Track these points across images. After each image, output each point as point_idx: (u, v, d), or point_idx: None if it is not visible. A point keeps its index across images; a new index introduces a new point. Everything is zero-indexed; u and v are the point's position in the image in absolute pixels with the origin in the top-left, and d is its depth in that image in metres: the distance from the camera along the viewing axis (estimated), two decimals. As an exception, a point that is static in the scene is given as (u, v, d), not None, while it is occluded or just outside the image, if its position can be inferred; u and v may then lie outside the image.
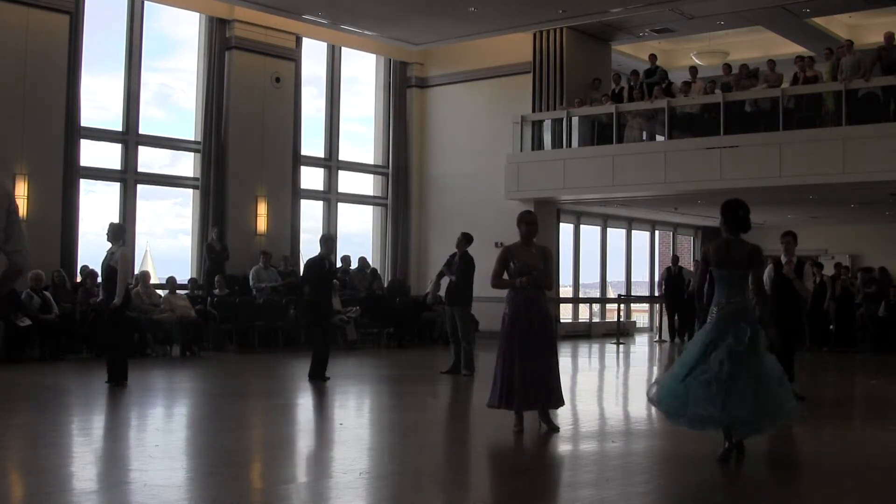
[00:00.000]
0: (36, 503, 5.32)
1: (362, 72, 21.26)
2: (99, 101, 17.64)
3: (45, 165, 15.35)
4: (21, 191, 15.01)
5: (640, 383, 13.18)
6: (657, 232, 24.00)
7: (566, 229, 20.66)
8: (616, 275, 22.80)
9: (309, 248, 18.65)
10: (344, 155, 20.30)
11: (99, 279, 12.02)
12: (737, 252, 6.55)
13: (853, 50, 16.27)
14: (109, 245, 10.60)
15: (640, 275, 23.52)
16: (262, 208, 18.12)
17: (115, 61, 16.88)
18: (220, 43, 17.77)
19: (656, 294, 21.63)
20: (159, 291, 15.38)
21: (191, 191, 17.89)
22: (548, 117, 19.02)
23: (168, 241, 19.32)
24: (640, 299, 23.15)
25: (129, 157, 16.87)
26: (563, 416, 8.25)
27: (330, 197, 19.91)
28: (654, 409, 9.00)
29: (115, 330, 10.75)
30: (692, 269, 20.54)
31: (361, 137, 21.37)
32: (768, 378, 6.41)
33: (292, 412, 9.48)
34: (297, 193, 18.88)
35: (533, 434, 7.51)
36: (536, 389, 7.49)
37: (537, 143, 19.18)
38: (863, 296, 17.91)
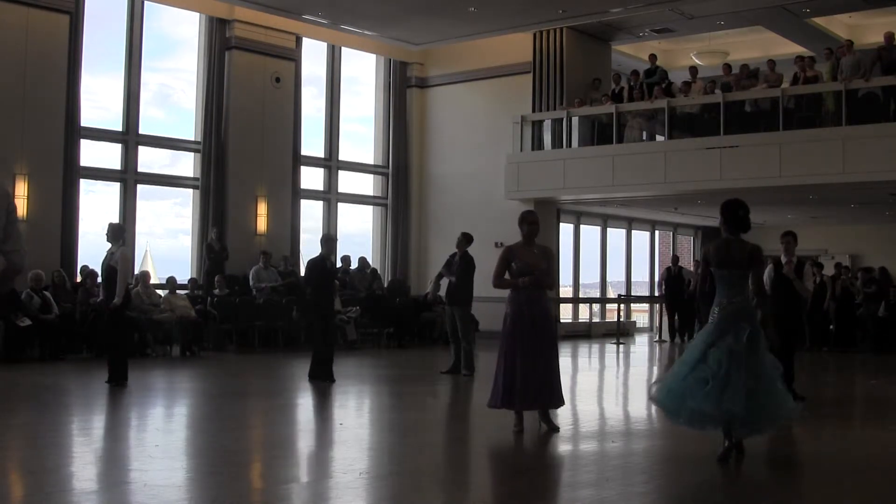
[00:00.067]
0: (36, 503, 5.32)
1: (362, 72, 21.29)
2: (99, 101, 17.68)
3: (45, 165, 15.35)
4: (21, 191, 15.01)
5: (640, 383, 13.18)
6: (657, 232, 24.00)
7: (566, 229, 20.66)
8: (616, 275, 22.82)
9: (309, 248, 18.68)
10: (344, 155, 20.30)
11: (99, 279, 12.03)
12: (737, 252, 6.55)
13: (853, 50, 16.27)
14: (109, 245, 10.60)
15: (640, 275, 23.53)
16: (262, 208, 18.12)
17: (115, 61, 16.90)
18: (220, 43, 17.77)
19: (656, 294, 21.63)
20: (159, 291, 15.38)
21: (191, 191, 17.89)
22: (548, 117, 19.02)
23: (168, 241, 19.35)
24: (640, 299, 23.15)
25: (129, 157, 16.87)
26: (563, 416, 8.25)
27: (330, 197, 19.91)
28: (654, 409, 9.01)
29: (115, 330, 10.75)
30: (692, 269, 20.56)
31: (361, 137, 21.40)
32: (768, 378, 6.42)
33: (292, 412, 9.49)
34: (297, 193, 18.88)
35: (533, 434, 7.51)
36: (538, 389, 7.49)
37: (537, 143, 19.18)
38: (863, 296, 17.91)
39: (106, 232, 10.61)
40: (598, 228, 21.91)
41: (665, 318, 20.53)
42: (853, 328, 17.95)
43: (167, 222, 19.18)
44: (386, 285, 19.47)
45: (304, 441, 7.82)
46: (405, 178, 20.81)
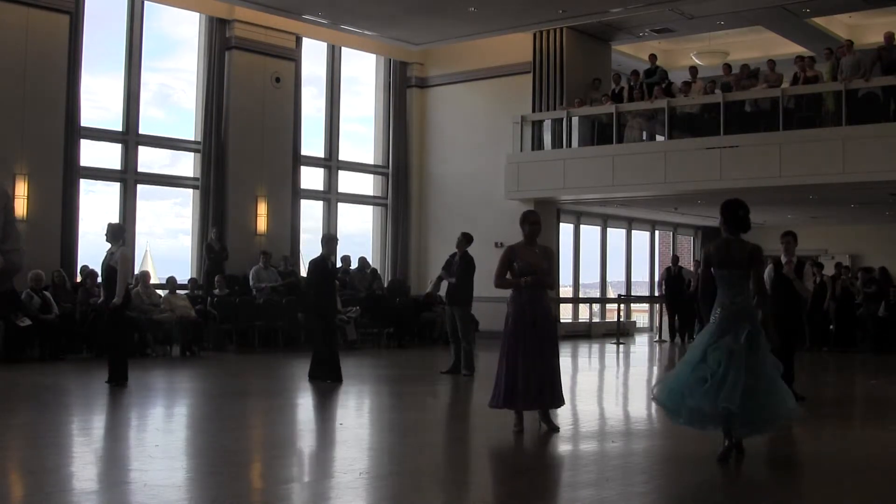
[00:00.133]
0: (36, 503, 5.32)
1: (362, 72, 21.29)
2: (99, 101, 17.68)
3: (45, 165, 15.35)
4: (21, 191, 15.01)
5: (640, 383, 13.18)
6: (657, 232, 24.00)
7: (566, 229, 20.66)
8: (616, 275, 22.82)
9: (309, 248, 18.69)
10: (344, 155, 20.30)
11: (99, 279, 12.03)
12: (737, 252, 6.56)
13: (853, 50, 16.27)
14: (109, 245, 10.59)
15: (640, 275, 23.54)
16: (262, 208, 18.12)
17: (115, 61, 16.90)
18: (220, 43, 17.77)
19: (656, 294, 21.63)
20: (159, 291, 15.38)
21: (191, 191, 17.89)
22: (548, 117, 19.02)
23: (168, 241, 19.35)
24: (640, 299, 23.15)
25: (129, 157, 16.87)
26: (563, 416, 8.25)
27: (330, 197, 19.91)
28: (654, 409, 9.02)
29: (115, 330, 10.75)
30: (692, 269, 20.56)
31: (361, 137, 21.40)
32: (769, 377, 6.42)
33: (292, 412, 9.48)
34: (297, 193, 18.88)
35: (533, 434, 7.51)
36: (539, 389, 7.50)
37: (537, 143, 19.19)
38: (863, 296, 17.91)
39: (105, 232, 10.60)
40: (598, 228, 21.91)
41: (665, 319, 20.54)
42: (853, 328, 17.95)
43: (167, 222, 19.22)
44: (386, 285, 19.47)
45: (304, 441, 7.82)
46: (405, 178, 20.81)
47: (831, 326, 18.07)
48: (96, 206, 17.11)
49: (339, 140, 20.16)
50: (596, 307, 22.41)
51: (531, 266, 7.55)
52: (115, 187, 16.87)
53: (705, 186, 16.80)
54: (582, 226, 21.19)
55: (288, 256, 18.11)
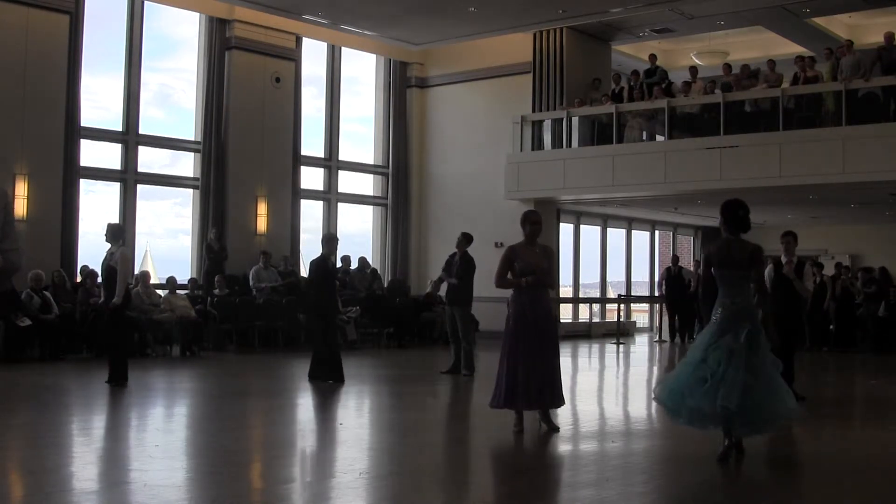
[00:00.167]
0: (36, 503, 5.32)
1: (362, 72, 21.29)
2: (99, 101, 17.68)
3: (45, 165, 15.35)
4: (21, 191, 15.02)
5: (640, 383, 13.18)
6: (657, 232, 24.00)
7: (566, 229, 20.66)
8: (616, 275, 22.82)
9: (309, 248, 18.69)
10: (344, 155, 20.30)
11: (99, 279, 12.03)
12: (738, 252, 6.56)
13: (853, 50, 16.27)
14: (109, 245, 10.59)
15: (640, 275, 23.54)
16: (262, 208, 18.12)
17: (115, 61, 16.90)
18: (220, 43, 17.77)
19: (656, 294, 21.64)
20: (159, 291, 15.38)
21: (191, 191, 17.89)
22: (548, 117, 19.02)
23: (168, 241, 19.35)
24: (640, 299, 23.15)
25: (129, 157, 16.87)
26: (563, 416, 8.26)
27: (330, 197, 19.91)
28: (654, 409, 9.02)
29: (115, 330, 10.75)
30: (692, 269, 20.57)
31: (361, 137, 21.41)
32: (768, 376, 6.42)
33: (292, 412, 9.49)
34: (297, 193, 18.88)
35: (533, 434, 7.51)
36: (541, 389, 7.50)
37: (537, 143, 19.18)
38: (863, 296, 17.91)
39: (105, 232, 10.60)
40: (598, 228, 21.91)
41: (665, 319, 20.54)
42: (853, 328, 17.95)
43: (167, 222, 19.22)
44: (386, 285, 19.47)
45: (304, 441, 7.82)
46: (405, 178, 20.81)
47: (831, 326, 18.07)
48: (96, 206, 17.14)
49: (339, 140, 20.17)
50: (596, 307, 22.41)
51: (532, 266, 7.55)
52: (115, 187, 16.87)
53: (705, 186, 16.80)
54: (582, 226, 21.19)
55: (288, 256, 18.11)
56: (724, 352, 6.34)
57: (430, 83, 21.01)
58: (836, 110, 15.91)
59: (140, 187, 17.09)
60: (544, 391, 7.53)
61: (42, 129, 15.33)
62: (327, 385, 10.83)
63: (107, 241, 10.58)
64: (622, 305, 22.17)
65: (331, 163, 19.95)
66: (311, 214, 19.53)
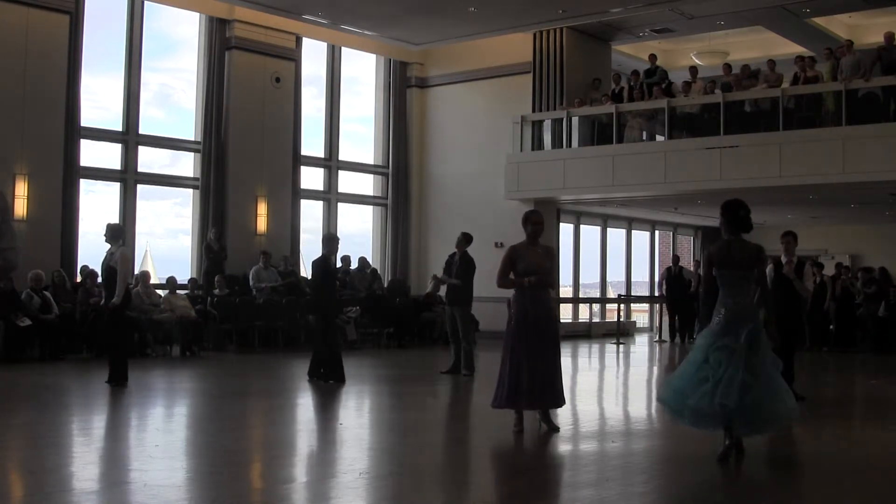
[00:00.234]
0: (36, 503, 5.32)
1: (362, 72, 21.29)
2: (99, 101, 17.68)
3: (45, 165, 15.35)
4: (21, 191, 15.02)
5: (640, 383, 13.19)
6: (657, 232, 24.00)
7: (566, 229, 20.66)
8: (616, 275, 22.81)
9: (309, 248, 18.70)
10: (344, 155, 20.30)
11: (99, 279, 12.03)
12: (740, 252, 6.57)
13: (853, 50, 16.27)
14: (109, 245, 10.59)
15: (640, 275, 23.53)
16: (262, 208, 18.12)
17: (115, 61, 16.90)
18: (220, 43, 17.77)
19: (656, 294, 21.64)
20: (159, 291, 15.38)
21: (191, 191, 17.89)
22: (548, 117, 19.02)
23: (168, 241, 19.35)
24: (640, 299, 23.15)
25: (129, 157, 16.87)
26: (563, 416, 8.26)
27: (330, 197, 19.91)
28: (654, 409, 9.03)
29: (115, 330, 10.75)
30: (692, 269, 20.57)
31: (361, 137, 21.40)
32: (768, 377, 6.42)
33: (292, 412, 9.48)
34: (297, 193, 18.88)
35: (533, 434, 7.51)
36: (543, 390, 7.51)
37: (537, 143, 19.18)
38: (863, 296, 17.91)
39: (104, 232, 10.60)
40: (598, 228, 21.90)
41: (665, 318, 20.53)
42: (853, 328, 17.95)
43: (167, 222, 19.22)
44: (386, 285, 19.47)
45: (305, 441, 7.82)
46: (405, 178, 20.81)
47: (831, 326, 18.08)
48: (96, 206, 17.13)
49: (339, 140, 20.17)
50: (596, 307, 22.40)
51: (534, 266, 7.55)
52: (115, 187, 16.87)
53: (705, 186, 16.80)
54: (582, 226, 21.19)
55: (288, 256, 18.11)
56: (726, 352, 6.35)
57: (430, 83, 21.01)
58: (836, 110, 15.91)
59: (140, 187, 17.09)
60: (546, 391, 7.53)
61: (42, 129, 15.33)
62: (327, 385, 10.83)
63: (106, 241, 10.58)
64: (622, 305, 22.17)
65: (331, 163, 19.95)
66: (311, 214, 19.56)
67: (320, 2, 17.00)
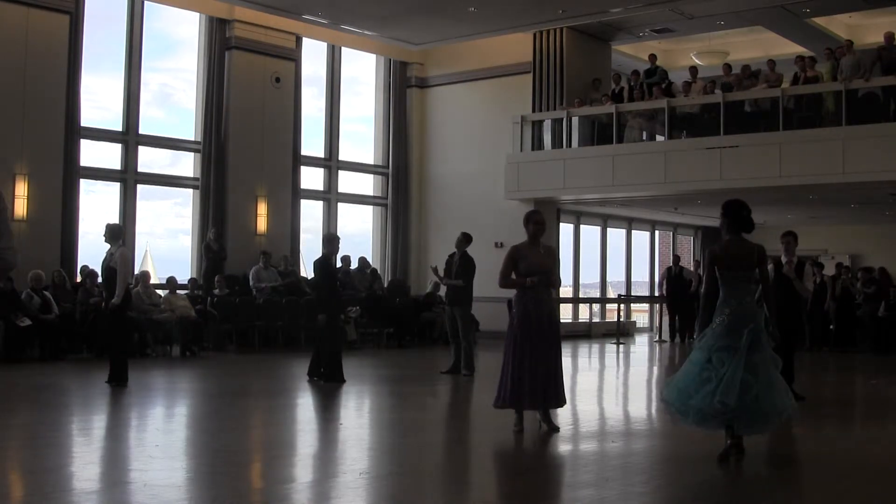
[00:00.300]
0: (36, 503, 5.32)
1: (362, 72, 21.29)
2: (99, 101, 17.68)
3: (45, 165, 15.35)
4: (21, 191, 15.02)
5: (640, 383, 13.19)
6: (657, 232, 24.00)
7: (566, 229, 20.66)
8: (616, 275, 22.81)
9: (309, 248, 18.71)
10: (344, 155, 20.30)
11: (99, 279, 12.03)
12: (743, 253, 6.58)
13: (853, 50, 16.27)
14: (109, 245, 10.59)
15: (640, 275, 23.53)
16: (262, 208, 18.12)
17: (115, 61, 16.90)
18: (220, 43, 17.77)
19: (656, 294, 21.64)
20: (159, 291, 15.38)
21: (191, 191, 17.89)
22: (548, 117, 19.02)
23: (168, 241, 19.36)
24: (640, 299, 23.15)
25: (129, 157, 16.87)
26: (563, 416, 8.25)
27: (330, 197, 19.91)
28: (654, 409, 9.03)
29: (115, 330, 10.74)
30: (692, 269, 20.57)
31: (361, 137, 21.40)
32: (768, 376, 6.42)
33: (292, 412, 9.48)
34: (297, 193, 18.88)
35: (533, 434, 7.51)
36: (545, 390, 7.51)
37: (537, 143, 19.18)
38: (863, 296, 17.91)
39: (104, 233, 10.59)
40: (598, 228, 21.90)
41: (665, 318, 20.52)
42: (853, 328, 17.95)
43: (167, 222, 19.22)
44: (386, 285, 19.47)
45: (305, 441, 7.81)
46: (405, 178, 20.81)
47: (831, 326, 18.08)
48: (96, 206, 17.14)
49: (339, 140, 20.17)
50: (596, 307, 22.40)
51: (536, 266, 7.55)
52: (115, 187, 16.87)
53: (705, 186, 16.80)
54: (582, 226, 21.19)
55: (288, 256, 18.11)
56: (728, 352, 6.36)
57: (429, 83, 21.01)
58: (836, 110, 15.92)
59: (140, 187, 17.09)
60: (548, 391, 7.53)
61: (42, 129, 15.33)
62: (327, 385, 10.82)
63: (106, 241, 10.58)
64: (622, 305, 22.17)
65: (331, 163, 19.95)
66: (311, 214, 19.56)
67: (320, 2, 17.01)
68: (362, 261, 18.85)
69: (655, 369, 15.26)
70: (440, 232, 19.62)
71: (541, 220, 7.73)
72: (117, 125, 16.90)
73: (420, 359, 15.48)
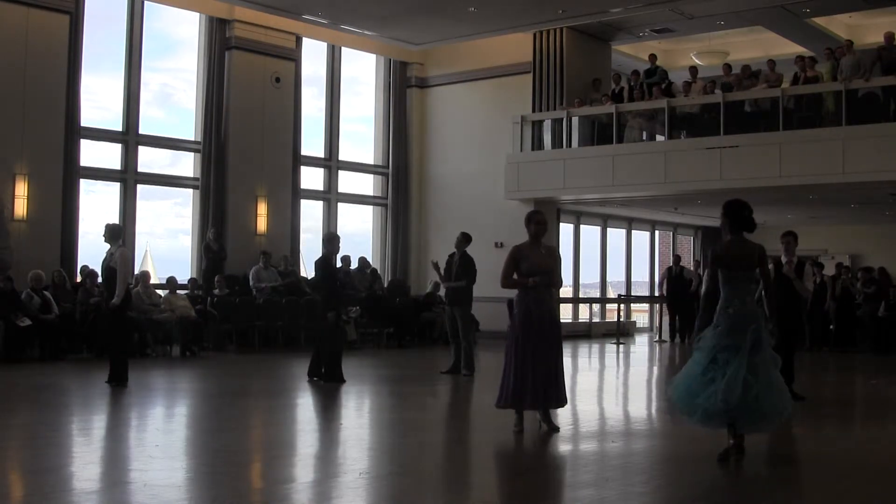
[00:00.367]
0: (36, 503, 5.32)
1: (362, 72, 21.29)
2: (99, 101, 17.68)
3: (45, 165, 15.35)
4: (21, 191, 15.02)
5: (640, 383, 13.19)
6: (657, 232, 24.00)
7: (566, 229, 20.65)
8: (616, 275, 22.81)
9: (309, 248, 18.71)
10: (344, 155, 20.30)
11: (99, 279, 12.03)
12: (746, 253, 6.58)
13: (853, 50, 16.27)
14: (109, 245, 10.58)
15: (640, 275, 23.53)
16: (262, 208, 18.12)
17: (115, 61, 16.90)
18: (220, 43, 17.77)
19: (656, 294, 21.63)
20: (159, 291, 15.38)
21: (191, 191, 17.89)
22: (548, 117, 19.02)
23: (168, 241, 19.35)
24: (640, 299, 23.15)
25: (129, 157, 16.87)
26: (563, 416, 8.25)
27: (330, 197, 19.91)
28: (654, 410, 9.04)
29: (115, 330, 10.74)
30: (692, 269, 20.57)
31: (361, 137, 21.40)
32: (769, 376, 6.43)
33: (292, 412, 9.48)
34: (297, 193, 18.88)
35: (533, 434, 7.51)
36: (546, 389, 7.51)
37: (537, 143, 19.18)
38: (863, 296, 17.91)
39: (104, 233, 10.59)
40: (598, 228, 21.90)
41: (665, 318, 20.51)
42: (853, 328, 17.95)
43: (167, 222, 19.22)
44: (386, 285, 19.48)
45: (304, 441, 7.81)
46: (405, 178, 20.81)
47: (831, 326, 18.08)
48: (96, 206, 17.13)
49: (339, 140, 20.17)
50: (596, 307, 22.40)
51: (538, 266, 7.55)
52: (115, 187, 16.87)
53: (705, 186, 16.80)
54: (582, 226, 21.19)
55: (288, 256, 18.11)
56: (731, 352, 6.37)
57: (430, 83, 21.01)
58: (836, 110, 15.91)
59: (140, 187, 17.09)
60: (549, 391, 7.54)
61: (42, 129, 15.33)
62: (327, 385, 10.82)
63: (105, 241, 10.58)
64: (622, 305, 22.17)
65: (331, 163, 19.95)
66: (311, 214, 19.56)
67: (320, 2, 17.01)
68: (362, 261, 18.85)
69: (655, 369, 15.26)
70: (440, 232, 19.62)
71: (542, 220, 7.74)
72: (117, 125, 16.91)
73: (420, 359, 15.48)
